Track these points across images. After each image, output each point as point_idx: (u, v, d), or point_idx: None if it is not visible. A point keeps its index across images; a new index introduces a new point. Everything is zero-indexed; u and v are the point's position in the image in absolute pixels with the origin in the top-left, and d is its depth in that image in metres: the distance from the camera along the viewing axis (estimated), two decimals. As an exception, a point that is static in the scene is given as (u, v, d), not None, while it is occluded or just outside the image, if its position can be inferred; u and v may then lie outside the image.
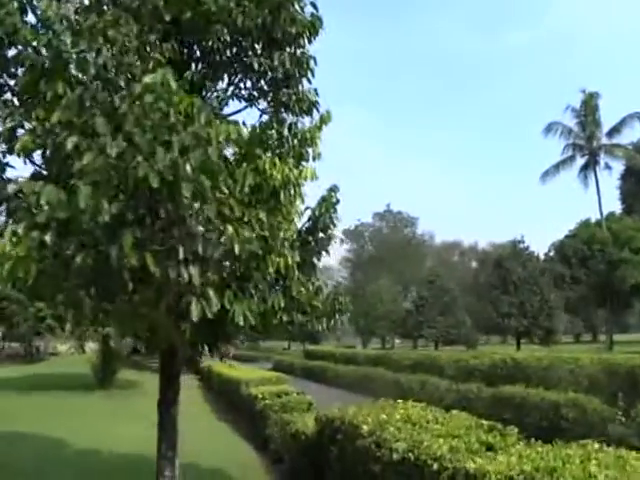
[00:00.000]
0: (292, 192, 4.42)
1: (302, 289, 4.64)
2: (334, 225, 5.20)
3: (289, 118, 4.95)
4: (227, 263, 3.65)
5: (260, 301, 3.98)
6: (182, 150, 3.04)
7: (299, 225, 5.17)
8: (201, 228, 3.25)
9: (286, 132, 4.75)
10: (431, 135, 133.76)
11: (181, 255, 3.09)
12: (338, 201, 5.60)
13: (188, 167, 2.99)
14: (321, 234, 5.21)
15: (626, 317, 54.41)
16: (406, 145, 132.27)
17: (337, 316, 6.95)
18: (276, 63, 4.77)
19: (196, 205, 3.18)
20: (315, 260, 5.81)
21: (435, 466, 3.54)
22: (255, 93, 5.12)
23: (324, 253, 6.42)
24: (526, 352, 21.74)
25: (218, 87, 5.19)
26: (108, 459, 9.30)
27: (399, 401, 6.71)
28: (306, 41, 4.99)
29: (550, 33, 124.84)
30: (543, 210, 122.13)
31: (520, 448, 3.57)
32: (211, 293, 3.26)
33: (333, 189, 5.64)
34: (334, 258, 73.29)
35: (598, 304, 36.58)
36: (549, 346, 29.26)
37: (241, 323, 3.42)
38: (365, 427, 5.02)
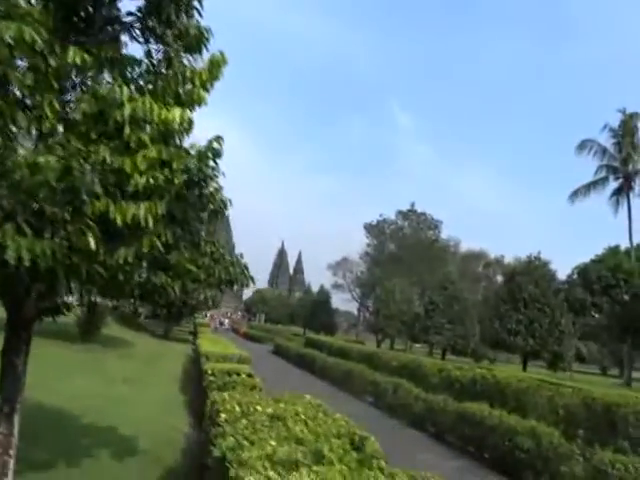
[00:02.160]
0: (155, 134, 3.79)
1: (158, 246, 4.05)
2: (211, 179, 4.62)
3: (170, 53, 4.35)
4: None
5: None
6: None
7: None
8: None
9: (165, 69, 4.15)
10: (476, 143, 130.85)
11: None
12: (218, 153, 5.13)
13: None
14: (197, 190, 4.63)
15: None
16: (449, 150, 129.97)
17: (226, 287, 6.33)
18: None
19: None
20: (197, 222, 5.30)
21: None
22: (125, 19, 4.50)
23: (214, 215, 5.81)
24: (511, 374, 20.60)
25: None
26: (26, 409, 8.89)
27: (307, 396, 6.21)
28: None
29: (605, 51, 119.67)
30: (572, 231, 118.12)
31: (337, 469, 2.87)
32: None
33: (218, 139, 5.10)
34: (356, 251, 72.44)
35: (619, 337, 34.55)
36: (556, 371, 27.85)
37: (11, 262, 2.79)
38: (223, 416, 4.45)
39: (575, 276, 37.74)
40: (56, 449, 6.95)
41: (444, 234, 67.56)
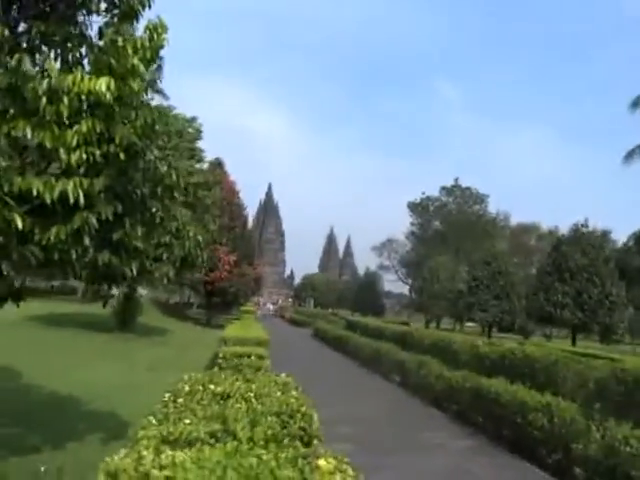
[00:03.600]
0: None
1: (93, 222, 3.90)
2: (151, 151, 4.36)
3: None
4: None
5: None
6: None
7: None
8: None
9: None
10: (528, 110, 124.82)
11: None
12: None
13: None
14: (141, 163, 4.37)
15: None
16: (500, 120, 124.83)
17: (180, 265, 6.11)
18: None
19: None
20: (149, 198, 5.07)
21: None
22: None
23: (169, 191, 5.59)
24: (559, 347, 19.54)
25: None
26: (38, 396, 9.13)
27: (282, 374, 6.01)
28: None
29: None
30: (632, 196, 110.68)
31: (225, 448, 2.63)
32: None
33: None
34: (401, 231, 71.22)
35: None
36: (609, 344, 26.27)
37: None
38: (167, 395, 4.31)
39: (631, 243, 35.33)
40: (49, 434, 7.06)
41: (492, 208, 65.21)
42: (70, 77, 4.49)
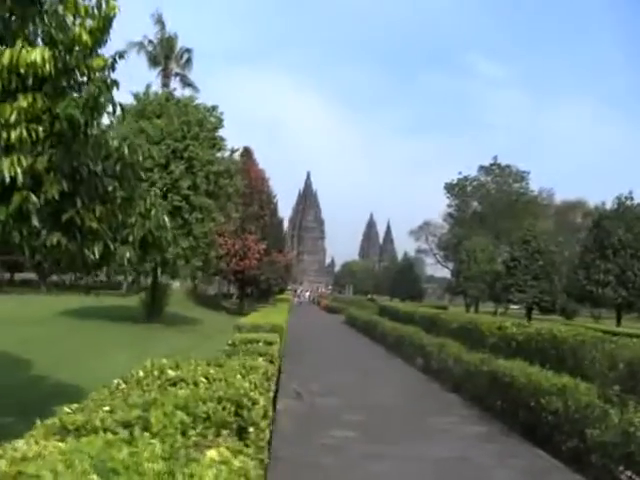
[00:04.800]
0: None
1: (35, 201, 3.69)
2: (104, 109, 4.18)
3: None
4: None
5: None
6: None
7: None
8: None
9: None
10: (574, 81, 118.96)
11: None
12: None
13: None
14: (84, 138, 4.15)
15: None
16: (543, 96, 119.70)
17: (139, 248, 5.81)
18: None
19: None
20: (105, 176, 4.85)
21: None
22: None
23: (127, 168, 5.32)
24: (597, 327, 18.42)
25: None
26: (42, 388, 9.16)
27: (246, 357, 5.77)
28: None
29: None
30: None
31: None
32: None
33: (113, 83, 4.60)
34: (438, 214, 69.57)
35: None
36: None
37: None
38: (115, 381, 4.20)
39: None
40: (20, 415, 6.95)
41: (534, 186, 62.62)
42: (8, 51, 4.27)
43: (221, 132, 23.22)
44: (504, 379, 8.65)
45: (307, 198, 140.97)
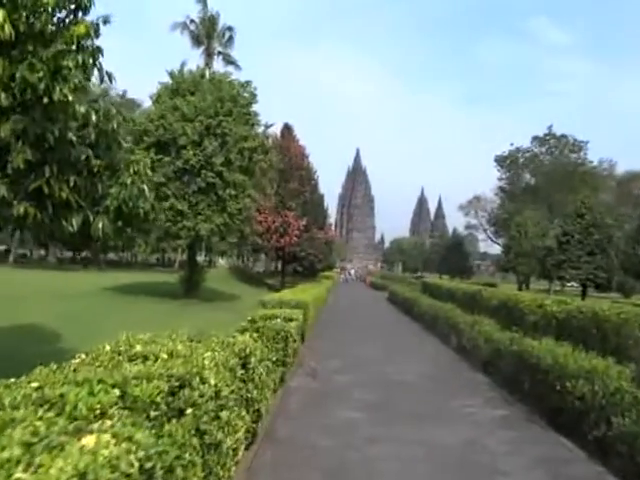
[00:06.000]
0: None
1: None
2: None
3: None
4: None
5: None
6: None
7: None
8: None
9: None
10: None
11: None
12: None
13: None
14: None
15: None
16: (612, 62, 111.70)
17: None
18: None
19: None
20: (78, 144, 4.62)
21: None
22: None
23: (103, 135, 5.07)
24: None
25: None
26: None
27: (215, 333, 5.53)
28: None
29: None
30: None
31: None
32: None
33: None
34: (489, 188, 66.86)
35: None
36: None
37: None
38: (82, 356, 4.05)
39: None
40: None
41: (594, 157, 58.85)
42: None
43: (266, 108, 22.93)
44: (530, 360, 8.01)
45: (356, 175, 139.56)
